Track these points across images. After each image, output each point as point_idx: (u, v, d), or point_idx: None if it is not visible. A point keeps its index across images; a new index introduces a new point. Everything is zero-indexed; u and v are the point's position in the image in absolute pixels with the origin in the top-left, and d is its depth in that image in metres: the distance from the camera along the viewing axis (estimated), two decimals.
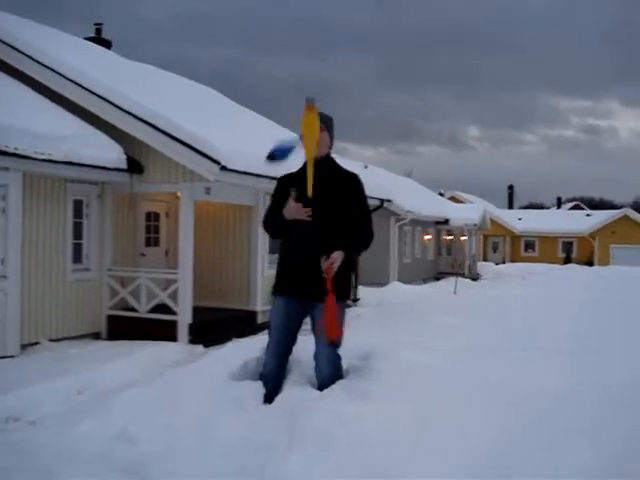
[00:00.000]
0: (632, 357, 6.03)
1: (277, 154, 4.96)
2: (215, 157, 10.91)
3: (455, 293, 20.68)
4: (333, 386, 4.49)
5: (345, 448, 3.52)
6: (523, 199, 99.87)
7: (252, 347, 5.04)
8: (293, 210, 4.83)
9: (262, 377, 4.86)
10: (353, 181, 5.07)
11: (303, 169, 5.07)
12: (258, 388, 4.53)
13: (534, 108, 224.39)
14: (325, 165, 5.05)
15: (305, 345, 4.91)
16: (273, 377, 4.84)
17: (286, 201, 4.93)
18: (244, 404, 4.21)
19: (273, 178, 11.65)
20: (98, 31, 18.03)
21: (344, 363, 4.90)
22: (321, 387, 4.64)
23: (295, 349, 5.00)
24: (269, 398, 4.53)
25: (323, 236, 4.82)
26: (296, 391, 4.43)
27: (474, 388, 4.29)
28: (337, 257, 4.72)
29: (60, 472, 3.89)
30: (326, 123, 5.09)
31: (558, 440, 3.63)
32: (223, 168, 10.98)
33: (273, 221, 5.14)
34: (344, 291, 5.02)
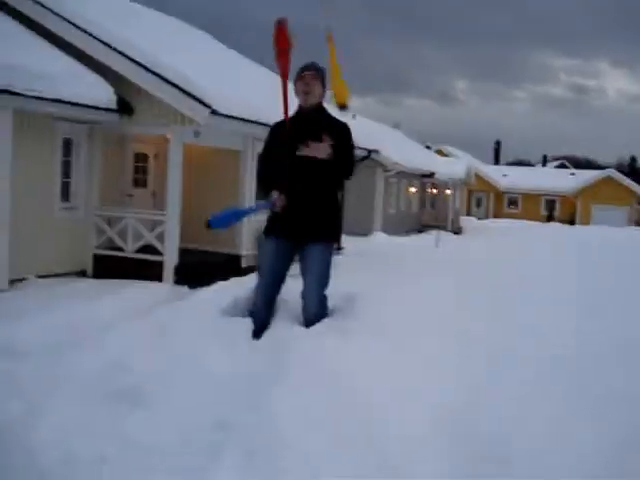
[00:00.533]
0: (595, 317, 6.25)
1: (213, 223, 5.08)
2: (205, 101, 11.00)
3: (437, 246, 20.94)
4: (318, 324, 4.74)
5: (327, 376, 3.76)
6: (510, 155, 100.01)
7: (242, 286, 5.23)
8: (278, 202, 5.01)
9: (251, 315, 5.06)
10: (343, 129, 5.22)
11: (295, 116, 5.26)
12: (248, 324, 4.75)
13: (524, 64, 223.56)
14: (317, 114, 5.21)
15: (292, 285, 5.13)
16: (262, 315, 5.05)
17: (279, 146, 5.14)
18: (234, 338, 4.43)
19: (262, 124, 11.77)
20: None
21: (330, 304, 5.14)
22: (307, 324, 4.88)
23: (283, 289, 5.22)
24: (258, 334, 4.76)
25: (314, 181, 5.02)
26: (283, 327, 4.66)
27: (447, 337, 4.50)
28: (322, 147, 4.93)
29: (51, 399, 4.06)
30: (319, 72, 5.22)
31: (526, 388, 3.86)
32: (213, 112, 11.08)
33: (266, 178, 5.30)
34: (331, 234, 5.27)
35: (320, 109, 5.25)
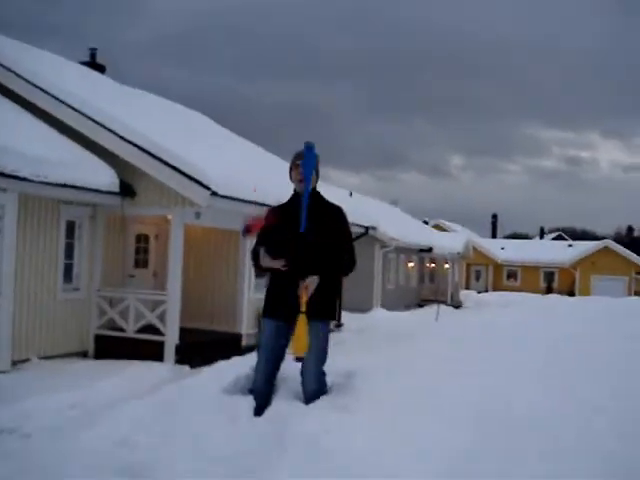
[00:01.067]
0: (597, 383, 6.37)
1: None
2: (206, 183, 11.26)
3: (437, 320, 21.01)
4: (318, 400, 4.88)
5: (330, 453, 3.88)
6: (507, 228, 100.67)
7: (243, 364, 5.38)
8: (269, 262, 5.22)
9: (252, 392, 5.21)
10: (337, 214, 5.47)
11: (291, 200, 5.53)
12: (249, 402, 4.89)
13: (516, 138, 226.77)
14: (311, 198, 5.41)
15: (291, 363, 5.27)
16: (262, 392, 5.20)
17: (274, 232, 5.38)
18: (236, 416, 4.56)
19: (262, 204, 12.04)
20: (92, 56, 18.37)
21: (329, 381, 5.28)
22: (307, 401, 5.02)
23: (282, 367, 5.37)
24: (259, 411, 4.89)
25: (308, 265, 5.20)
26: (284, 404, 4.80)
27: (446, 407, 4.65)
28: (312, 281, 5.11)
29: (62, 475, 4.18)
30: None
31: (514, 458, 3.99)
32: (213, 194, 11.33)
33: (258, 260, 5.47)
34: (329, 312, 5.42)
35: (314, 195, 5.47)
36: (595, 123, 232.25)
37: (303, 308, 5.03)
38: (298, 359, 5.04)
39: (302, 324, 4.99)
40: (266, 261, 5.28)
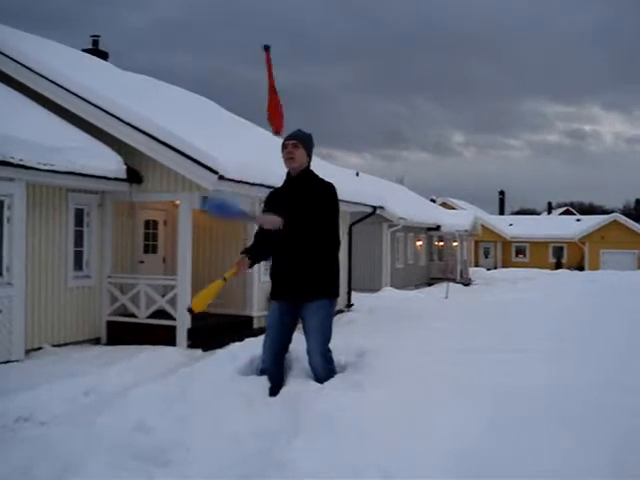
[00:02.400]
0: (610, 360, 6.39)
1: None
2: (213, 167, 11.26)
3: (446, 298, 21.06)
4: (332, 379, 4.94)
5: (344, 431, 3.92)
6: (514, 204, 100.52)
7: (256, 346, 5.42)
8: (267, 220, 5.29)
9: (262, 373, 5.33)
10: (325, 191, 5.52)
11: (285, 183, 5.72)
12: (264, 382, 4.95)
13: (517, 113, 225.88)
14: (302, 178, 5.58)
15: (303, 344, 5.33)
16: (272, 372, 5.32)
17: (270, 211, 5.47)
18: (251, 397, 4.60)
19: (269, 187, 12.03)
20: (95, 43, 18.34)
21: (342, 359, 5.34)
22: (317, 379, 5.12)
23: (295, 347, 5.47)
24: (273, 391, 4.98)
25: (302, 246, 5.31)
26: (298, 384, 4.85)
27: (461, 383, 4.68)
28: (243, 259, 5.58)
29: (80, 461, 4.21)
30: (301, 140, 5.61)
31: (536, 434, 4.01)
32: (221, 177, 11.33)
33: (258, 244, 5.72)
34: (327, 289, 5.49)
35: (306, 173, 5.61)
36: (596, 96, 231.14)
37: (226, 275, 5.45)
38: (189, 310, 5.60)
39: (214, 285, 5.45)
40: (267, 223, 5.33)
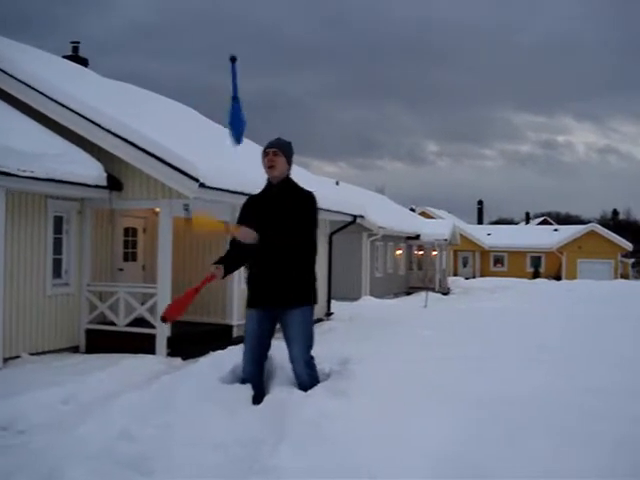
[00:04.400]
0: (591, 366, 6.45)
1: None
2: (194, 175, 11.22)
3: (426, 307, 21.12)
4: (316, 387, 4.94)
5: (329, 437, 3.92)
6: (492, 214, 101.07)
7: (239, 354, 5.41)
8: (242, 233, 5.30)
9: (243, 381, 5.31)
10: (305, 199, 5.56)
11: (264, 190, 5.73)
12: (247, 390, 4.94)
13: (490, 123, 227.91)
14: (282, 187, 5.60)
15: (285, 351, 5.33)
16: (253, 381, 5.31)
17: (250, 221, 5.48)
18: (234, 405, 4.58)
19: (249, 194, 12.01)
20: (75, 49, 18.26)
21: (326, 367, 5.35)
22: (301, 386, 5.11)
23: (277, 355, 5.46)
24: (256, 399, 4.96)
25: (281, 254, 5.32)
26: (282, 392, 4.84)
27: (444, 390, 4.71)
28: (216, 270, 5.53)
29: (62, 470, 4.18)
30: (282, 148, 5.63)
31: (518, 439, 4.03)
32: (202, 185, 11.30)
33: (232, 253, 5.70)
34: (306, 296, 5.49)
35: (286, 181, 5.62)
36: (567, 107, 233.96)
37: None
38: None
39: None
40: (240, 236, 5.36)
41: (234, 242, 5.64)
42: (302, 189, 5.64)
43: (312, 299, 5.54)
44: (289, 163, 5.68)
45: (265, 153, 5.60)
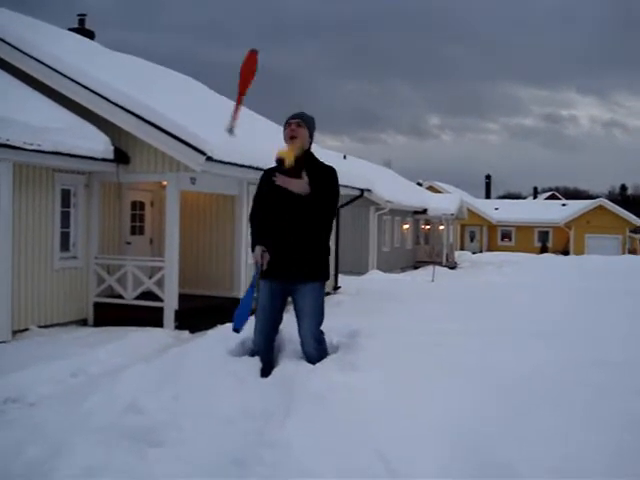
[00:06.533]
0: (595, 340, 6.44)
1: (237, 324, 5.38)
2: (201, 148, 11.18)
3: (433, 281, 21.12)
4: (325, 360, 4.94)
5: (337, 411, 3.93)
6: (500, 188, 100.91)
7: (248, 326, 5.40)
8: (281, 181, 5.27)
9: (254, 354, 5.31)
10: (328, 172, 5.52)
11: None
12: (255, 363, 4.94)
13: (492, 97, 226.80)
14: (305, 160, 5.51)
15: (296, 326, 5.33)
16: (263, 353, 5.31)
17: (269, 194, 5.47)
18: (243, 377, 4.59)
19: (257, 168, 12.00)
20: (81, 22, 18.16)
21: (334, 340, 5.34)
22: (309, 361, 5.11)
23: (287, 329, 5.45)
24: (265, 372, 4.96)
25: (299, 223, 5.30)
26: (291, 364, 4.85)
27: (455, 364, 4.71)
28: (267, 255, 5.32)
29: (70, 441, 4.19)
30: (305, 120, 5.60)
31: (525, 409, 4.04)
32: (209, 159, 11.25)
33: (257, 218, 5.60)
34: (321, 272, 5.48)
35: (307, 154, 5.57)
36: (570, 80, 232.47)
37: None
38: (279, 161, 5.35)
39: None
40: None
41: (254, 217, 5.60)
42: (323, 163, 5.61)
43: (326, 275, 5.53)
44: (311, 137, 5.64)
45: (287, 124, 5.56)
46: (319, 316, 5.36)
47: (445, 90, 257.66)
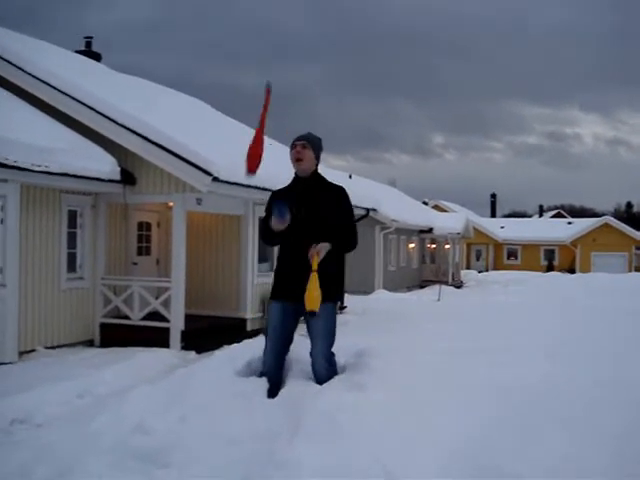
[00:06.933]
0: (603, 360, 6.43)
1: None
2: (207, 168, 11.24)
3: (439, 300, 21.09)
4: (332, 380, 4.93)
5: (346, 432, 3.92)
6: (505, 207, 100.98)
7: (254, 347, 5.40)
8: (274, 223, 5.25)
9: (262, 375, 5.27)
10: (340, 193, 5.53)
11: (292, 184, 5.65)
12: (263, 383, 4.94)
13: (495, 115, 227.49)
14: (312, 180, 5.55)
15: (303, 344, 5.32)
16: (273, 374, 5.27)
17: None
18: (250, 397, 4.59)
19: (263, 189, 12.04)
20: (88, 44, 18.31)
21: (341, 360, 5.33)
22: (319, 381, 5.07)
23: (295, 349, 5.44)
24: (272, 393, 4.95)
25: (310, 244, 5.22)
26: (298, 385, 4.84)
27: (460, 383, 4.70)
28: (323, 246, 5.17)
29: (78, 462, 4.20)
30: (311, 142, 5.59)
31: (533, 430, 4.03)
32: (215, 179, 11.31)
33: (267, 234, 5.56)
34: (335, 293, 5.45)
35: (315, 175, 5.58)
36: (573, 98, 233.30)
37: (315, 267, 5.08)
38: (311, 313, 5.05)
39: (314, 280, 5.03)
40: (274, 223, 5.27)
41: (263, 234, 5.61)
42: (332, 183, 5.61)
43: (339, 296, 5.53)
44: (317, 158, 5.62)
45: (293, 145, 5.56)
46: (331, 337, 5.33)
47: (448, 109, 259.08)
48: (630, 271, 46.15)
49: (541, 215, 74.79)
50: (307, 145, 5.52)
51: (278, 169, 9.71)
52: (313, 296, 4.98)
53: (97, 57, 18.20)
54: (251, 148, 5.77)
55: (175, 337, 12.04)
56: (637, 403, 4.50)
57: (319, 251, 5.13)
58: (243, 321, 13.91)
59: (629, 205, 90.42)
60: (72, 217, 12.24)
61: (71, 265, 12.24)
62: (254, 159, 5.73)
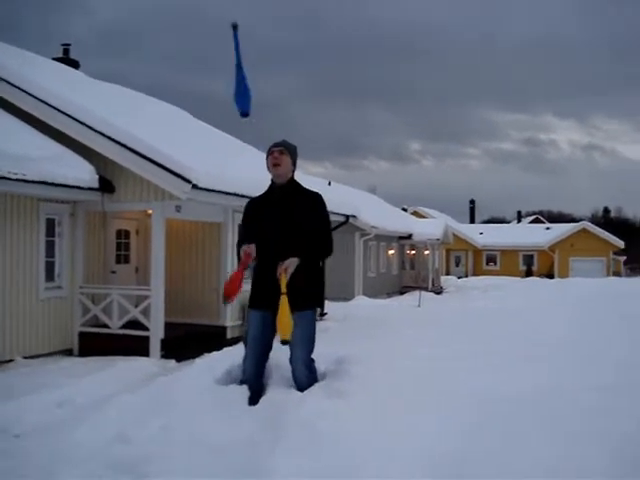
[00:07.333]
0: (588, 364, 6.46)
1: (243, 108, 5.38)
2: (186, 176, 11.20)
3: (419, 306, 21.10)
4: (312, 387, 4.92)
5: (326, 439, 3.91)
6: (483, 213, 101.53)
7: (234, 355, 5.39)
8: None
9: (242, 383, 5.27)
10: (315, 200, 5.57)
11: (268, 191, 5.67)
12: (243, 391, 4.92)
13: (472, 122, 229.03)
14: (289, 187, 5.58)
15: (284, 351, 5.31)
16: (253, 382, 5.28)
17: (255, 222, 5.49)
18: (231, 406, 4.57)
19: (242, 195, 12.02)
20: (66, 51, 18.23)
21: (321, 367, 5.33)
22: (299, 388, 5.09)
23: (275, 355, 5.43)
24: (253, 400, 4.93)
25: (289, 254, 5.24)
26: (279, 392, 4.83)
27: (440, 388, 4.71)
28: (290, 262, 5.17)
29: (57, 472, 4.16)
30: (288, 148, 5.64)
31: (513, 438, 4.03)
32: (194, 187, 11.27)
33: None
34: (314, 299, 5.46)
35: (291, 182, 5.62)
36: (548, 105, 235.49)
37: (283, 289, 5.05)
38: (284, 342, 4.99)
39: (284, 306, 4.99)
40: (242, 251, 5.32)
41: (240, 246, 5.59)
42: (309, 190, 5.64)
43: (319, 303, 5.53)
44: (294, 164, 5.66)
45: (270, 152, 5.59)
46: (310, 344, 5.35)
47: (424, 116, 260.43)
48: (608, 276, 46.50)
49: (519, 221, 75.18)
50: (284, 151, 5.57)
51: (256, 175, 9.70)
52: (283, 322, 4.96)
53: (75, 64, 18.11)
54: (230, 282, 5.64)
55: (155, 345, 11.97)
56: (623, 408, 4.51)
57: (287, 267, 5.14)
58: (223, 329, 13.86)
59: (606, 210, 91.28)
60: (50, 226, 12.15)
61: (49, 274, 12.15)
62: (231, 292, 5.61)
